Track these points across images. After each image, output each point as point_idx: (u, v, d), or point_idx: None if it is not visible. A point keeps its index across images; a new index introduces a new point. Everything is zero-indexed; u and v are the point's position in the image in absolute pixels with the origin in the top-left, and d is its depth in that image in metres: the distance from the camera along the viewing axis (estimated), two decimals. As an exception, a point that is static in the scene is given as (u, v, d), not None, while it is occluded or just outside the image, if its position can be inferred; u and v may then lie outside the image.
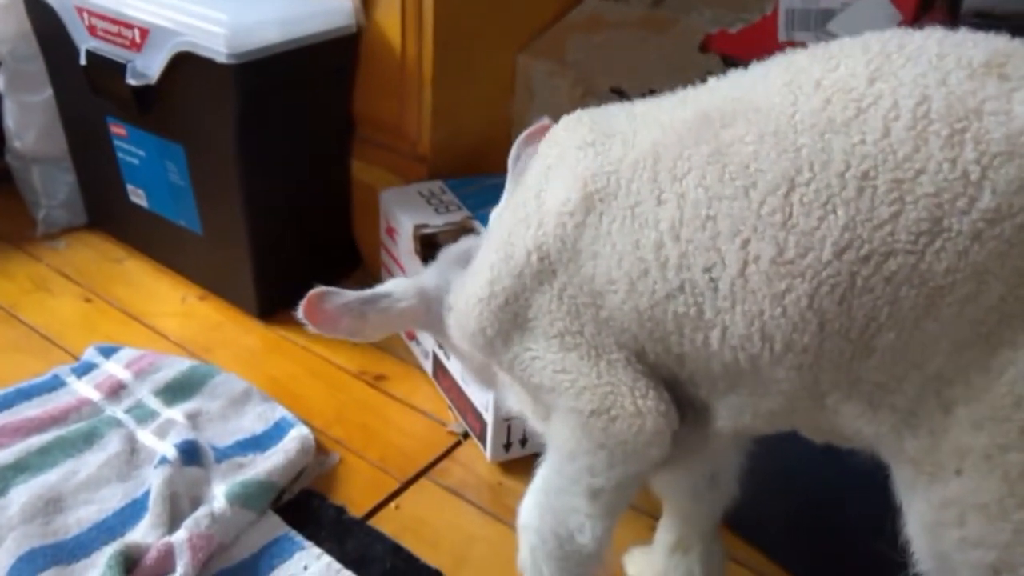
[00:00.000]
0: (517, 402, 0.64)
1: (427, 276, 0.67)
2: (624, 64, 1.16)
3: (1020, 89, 0.42)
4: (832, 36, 1.13)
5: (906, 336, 0.44)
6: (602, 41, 1.18)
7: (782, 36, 1.17)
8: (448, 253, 0.68)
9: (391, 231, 1.11)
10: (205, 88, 1.03)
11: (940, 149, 0.42)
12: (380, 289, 0.65)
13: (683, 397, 0.55)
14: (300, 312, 0.62)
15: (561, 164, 0.56)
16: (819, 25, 1.14)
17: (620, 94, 1.11)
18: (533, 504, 0.63)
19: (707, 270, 0.48)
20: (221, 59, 0.99)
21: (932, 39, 0.45)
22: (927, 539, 0.47)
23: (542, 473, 0.62)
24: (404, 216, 1.05)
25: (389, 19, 1.08)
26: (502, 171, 0.68)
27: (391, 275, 1.15)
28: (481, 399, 0.93)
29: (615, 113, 0.57)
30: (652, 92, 1.19)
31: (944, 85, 0.43)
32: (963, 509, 0.45)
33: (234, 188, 1.09)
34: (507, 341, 0.58)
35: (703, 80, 0.56)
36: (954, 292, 0.42)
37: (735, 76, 0.52)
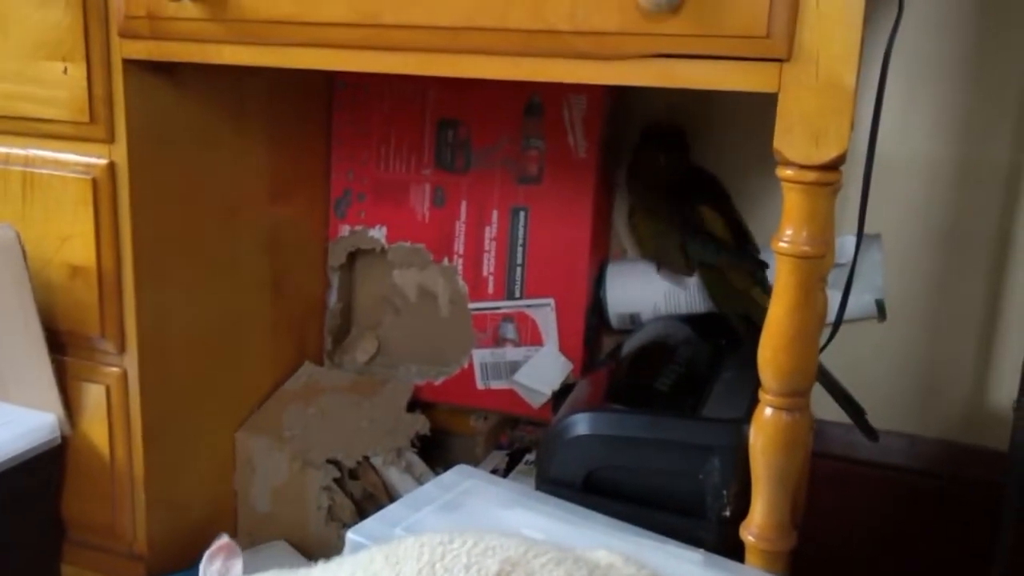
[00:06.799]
0: None
1: None
2: (339, 432, 1.23)
3: None
4: (520, 385, 1.29)
5: None
6: (316, 411, 1.25)
7: (480, 384, 1.32)
8: None
9: (107, 646, 1.05)
10: None
11: None
12: None
13: None
14: None
15: None
16: (508, 375, 1.30)
17: (337, 464, 1.17)
18: None
19: None
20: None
21: (464, 549, 0.57)
22: None
23: None
24: (119, 632, 1.01)
25: (95, 425, 1.09)
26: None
27: None
28: None
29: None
30: (367, 459, 1.25)
31: None
32: None
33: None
34: None
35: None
36: None
37: (339, 562, 0.63)
